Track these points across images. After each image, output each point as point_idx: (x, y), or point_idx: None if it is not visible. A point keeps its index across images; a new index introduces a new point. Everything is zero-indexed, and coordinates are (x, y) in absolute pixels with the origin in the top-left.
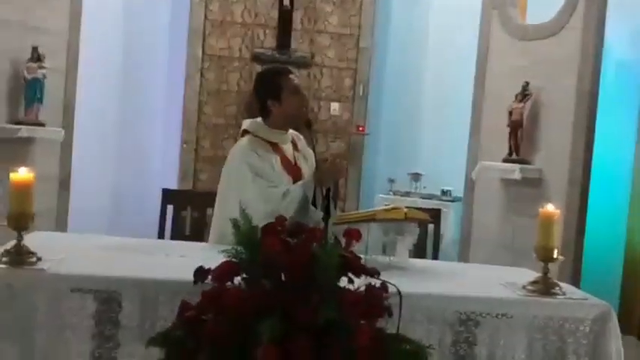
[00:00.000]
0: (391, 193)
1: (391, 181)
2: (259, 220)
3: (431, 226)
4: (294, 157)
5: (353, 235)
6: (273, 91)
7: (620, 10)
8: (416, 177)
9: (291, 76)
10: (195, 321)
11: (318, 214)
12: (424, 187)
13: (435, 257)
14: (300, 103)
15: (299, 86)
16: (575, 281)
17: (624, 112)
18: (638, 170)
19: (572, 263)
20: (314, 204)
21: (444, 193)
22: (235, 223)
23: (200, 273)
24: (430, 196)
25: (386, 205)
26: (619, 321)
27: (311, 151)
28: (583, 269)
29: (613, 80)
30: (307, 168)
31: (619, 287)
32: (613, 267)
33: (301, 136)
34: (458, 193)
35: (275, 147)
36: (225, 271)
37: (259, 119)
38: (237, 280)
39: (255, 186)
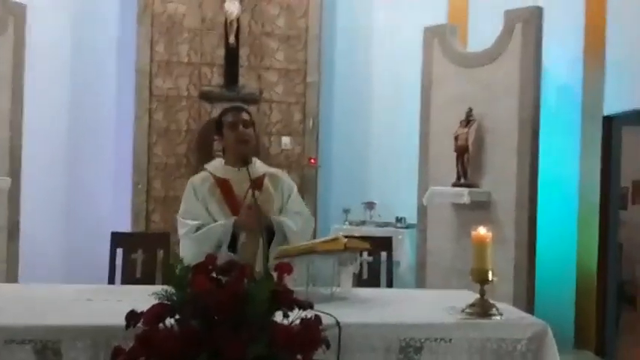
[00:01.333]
0: (347, 223)
1: (346, 211)
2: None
3: (384, 254)
4: (249, 195)
5: (284, 269)
6: (217, 127)
7: (557, 34)
8: (370, 206)
9: (232, 112)
10: None
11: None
12: (379, 216)
13: (390, 285)
14: (235, 138)
15: (236, 122)
16: (529, 300)
17: (567, 133)
18: (583, 189)
19: (525, 282)
20: (234, 246)
21: (398, 220)
22: (168, 266)
23: (132, 316)
24: (385, 224)
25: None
26: (575, 336)
27: (286, 192)
28: (537, 288)
29: (554, 103)
30: (268, 207)
31: (573, 303)
32: (566, 284)
33: (281, 177)
34: (412, 220)
35: (223, 182)
36: (155, 313)
37: (221, 158)
38: (170, 321)
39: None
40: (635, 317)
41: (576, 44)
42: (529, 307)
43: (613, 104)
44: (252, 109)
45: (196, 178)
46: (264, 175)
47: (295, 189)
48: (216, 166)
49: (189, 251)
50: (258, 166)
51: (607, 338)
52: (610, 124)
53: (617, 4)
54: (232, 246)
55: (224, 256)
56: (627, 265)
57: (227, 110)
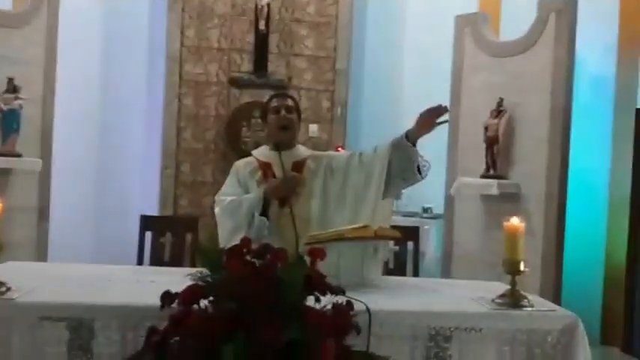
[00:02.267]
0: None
1: None
2: None
3: (411, 244)
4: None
5: (317, 254)
6: (263, 113)
7: (591, 25)
8: (398, 195)
9: (277, 98)
10: (162, 345)
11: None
12: (406, 205)
13: (416, 274)
14: (276, 122)
15: (279, 107)
16: (557, 294)
17: (599, 125)
18: (614, 182)
19: (553, 276)
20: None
21: (424, 210)
22: (200, 249)
23: (166, 297)
24: (412, 214)
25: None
26: (601, 332)
27: (328, 162)
28: (564, 281)
29: (587, 94)
30: (305, 190)
31: (600, 298)
32: (594, 278)
33: (324, 155)
34: (439, 210)
35: (265, 166)
36: (190, 295)
37: (266, 145)
38: (204, 303)
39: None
40: None
41: (610, 35)
42: (556, 300)
43: None
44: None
45: (240, 162)
46: (305, 159)
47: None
48: (261, 150)
49: (224, 225)
50: (302, 150)
51: (635, 335)
52: None
53: None
54: (265, 215)
55: (258, 224)
56: None
57: (272, 96)
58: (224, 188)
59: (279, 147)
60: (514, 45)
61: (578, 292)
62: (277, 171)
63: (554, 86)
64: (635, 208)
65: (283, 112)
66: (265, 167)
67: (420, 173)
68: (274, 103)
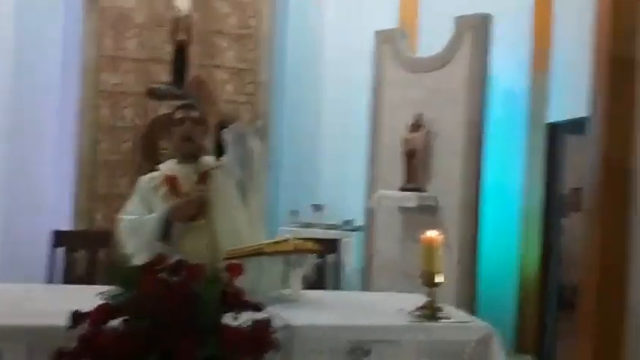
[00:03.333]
0: (294, 225)
1: (294, 213)
2: None
3: (331, 256)
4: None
5: (235, 270)
6: (168, 127)
7: (505, 41)
8: (318, 208)
9: (182, 109)
10: None
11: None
12: (327, 218)
13: (337, 287)
14: (180, 135)
15: (184, 119)
16: (472, 304)
17: (512, 138)
18: (526, 194)
19: (468, 286)
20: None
21: (345, 222)
22: (113, 267)
23: (76, 317)
24: (332, 227)
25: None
26: (515, 341)
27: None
28: (479, 292)
29: (501, 109)
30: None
31: (515, 308)
32: (508, 288)
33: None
34: (359, 223)
35: (170, 179)
36: (101, 314)
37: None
38: (116, 322)
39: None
40: (573, 323)
41: (523, 52)
42: (471, 310)
43: (557, 112)
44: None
45: (145, 177)
46: (213, 169)
47: None
48: (168, 164)
49: (126, 246)
50: (208, 160)
51: (547, 343)
52: (554, 131)
53: (563, 14)
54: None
55: (158, 247)
56: (565, 271)
57: (178, 107)
58: (127, 205)
59: (194, 158)
60: (432, 61)
61: (493, 302)
62: (184, 183)
63: (469, 102)
64: (546, 219)
65: (188, 123)
66: (171, 181)
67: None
68: (179, 114)
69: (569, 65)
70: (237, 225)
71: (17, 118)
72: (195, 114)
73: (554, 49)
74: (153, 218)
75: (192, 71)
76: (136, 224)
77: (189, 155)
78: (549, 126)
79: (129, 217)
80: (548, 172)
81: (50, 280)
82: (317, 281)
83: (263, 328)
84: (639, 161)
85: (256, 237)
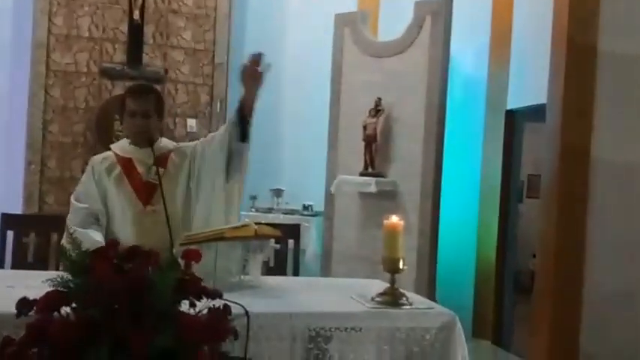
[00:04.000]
0: (253, 210)
1: (253, 197)
2: None
3: (291, 242)
4: (150, 173)
5: (192, 256)
6: (120, 109)
7: (465, 27)
8: (278, 193)
9: (134, 99)
10: (19, 357)
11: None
12: (286, 203)
13: (296, 273)
14: (131, 128)
15: (136, 112)
16: (431, 289)
17: (471, 123)
18: (484, 180)
19: (427, 271)
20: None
21: (305, 208)
22: (63, 251)
23: (23, 304)
24: (292, 212)
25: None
26: (473, 326)
27: (192, 155)
28: (438, 277)
29: (460, 94)
30: (171, 186)
31: (472, 292)
32: (466, 273)
33: (187, 148)
34: (319, 208)
35: (125, 161)
36: (50, 301)
37: (126, 138)
38: (66, 310)
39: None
40: (529, 308)
41: (483, 38)
42: (430, 295)
43: (516, 99)
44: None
45: (96, 157)
46: (169, 152)
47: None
48: (121, 145)
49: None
50: (165, 143)
51: (504, 328)
52: (513, 118)
53: (523, 0)
54: None
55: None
56: (522, 257)
57: (131, 93)
58: (79, 187)
59: (150, 142)
60: (392, 45)
61: (451, 287)
62: (139, 166)
63: (429, 86)
64: (504, 203)
65: (139, 118)
66: (125, 162)
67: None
68: (131, 105)
69: (528, 52)
70: (209, 209)
71: None
72: (146, 105)
73: (513, 35)
74: (94, 244)
75: (147, 51)
76: (77, 241)
77: (144, 143)
78: (508, 112)
79: (79, 204)
80: (506, 158)
81: (0, 265)
82: (277, 267)
83: (221, 315)
84: (596, 148)
85: (231, 221)
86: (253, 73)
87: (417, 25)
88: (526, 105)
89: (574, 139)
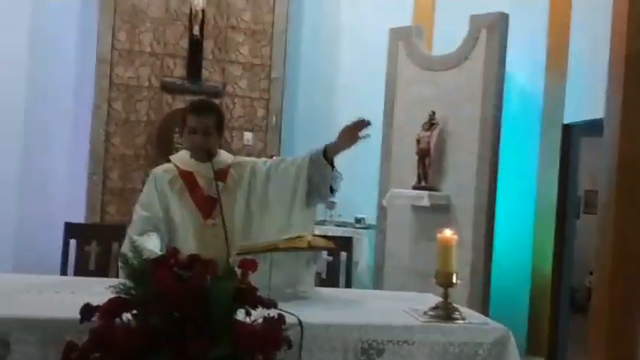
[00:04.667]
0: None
1: None
2: None
3: (344, 254)
4: (211, 187)
5: (248, 266)
6: (181, 124)
7: (521, 40)
8: (330, 205)
9: (195, 116)
10: None
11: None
12: (339, 216)
13: (348, 285)
14: (191, 145)
15: (196, 129)
16: (484, 305)
17: (527, 138)
18: (541, 194)
19: (481, 286)
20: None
21: (357, 220)
22: (125, 259)
23: (87, 310)
24: (344, 224)
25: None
26: (527, 343)
27: (252, 172)
28: (492, 292)
29: (516, 108)
30: (230, 200)
31: (527, 309)
32: (521, 290)
33: (247, 162)
34: (371, 221)
35: (186, 174)
36: (112, 308)
37: (185, 151)
38: (127, 316)
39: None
40: (585, 325)
41: (540, 52)
42: (484, 311)
43: (573, 113)
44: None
45: (158, 169)
46: (228, 167)
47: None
48: (181, 157)
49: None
50: (224, 157)
51: (559, 346)
52: (569, 132)
53: (581, 14)
54: None
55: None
56: (578, 273)
57: (192, 110)
58: (142, 196)
59: (210, 156)
60: (447, 59)
61: (505, 303)
62: (200, 181)
63: (484, 100)
64: (561, 219)
65: (199, 135)
66: (187, 176)
67: (332, 192)
68: (192, 122)
69: (585, 65)
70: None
71: (32, 111)
72: (207, 122)
73: (571, 47)
74: (150, 252)
75: (207, 66)
76: (139, 249)
77: (204, 157)
78: (565, 127)
79: (142, 212)
80: (562, 173)
81: (64, 272)
82: (329, 279)
83: (275, 325)
84: None
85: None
86: (353, 134)
87: (472, 39)
88: (583, 119)
89: (632, 154)
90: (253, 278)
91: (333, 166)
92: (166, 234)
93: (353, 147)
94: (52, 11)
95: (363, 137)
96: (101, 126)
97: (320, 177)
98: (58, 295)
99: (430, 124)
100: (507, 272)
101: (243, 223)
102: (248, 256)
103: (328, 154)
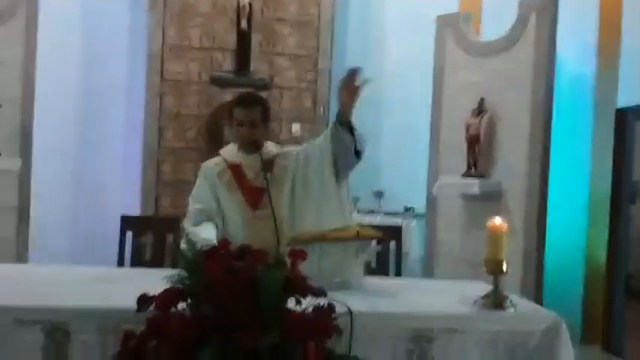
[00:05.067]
0: (355, 211)
1: (355, 199)
2: None
3: (393, 243)
4: (258, 178)
5: (298, 256)
6: (228, 117)
7: (572, 24)
8: (379, 195)
9: (242, 109)
10: (139, 350)
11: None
12: (387, 205)
13: (398, 274)
14: (240, 136)
15: (242, 121)
16: (537, 293)
17: (579, 123)
18: (594, 180)
19: (534, 274)
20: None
21: (406, 209)
22: (180, 254)
23: (143, 300)
24: (393, 213)
25: None
26: (582, 331)
27: (296, 158)
28: (545, 280)
29: (567, 93)
30: (277, 190)
31: (581, 297)
32: (574, 277)
33: (291, 152)
34: (421, 210)
35: (234, 167)
36: (168, 298)
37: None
38: (181, 306)
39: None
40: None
41: (591, 35)
42: (537, 299)
43: (627, 97)
44: (262, 95)
45: (209, 163)
46: (275, 157)
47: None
48: (229, 150)
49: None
50: (270, 148)
51: (614, 333)
52: (623, 116)
53: None
54: None
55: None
56: (634, 260)
57: (239, 103)
58: (195, 190)
59: (257, 147)
60: (495, 44)
61: (558, 291)
62: (248, 172)
63: (535, 85)
64: (615, 205)
65: (246, 127)
66: (235, 168)
67: (357, 156)
68: (238, 114)
69: (639, 47)
70: (320, 210)
71: (85, 108)
72: (253, 115)
73: (623, 29)
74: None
75: (255, 59)
76: (192, 242)
77: (251, 149)
78: (618, 111)
79: (196, 204)
80: (616, 158)
81: (120, 264)
82: (379, 269)
83: (325, 314)
84: None
85: (344, 221)
86: (350, 87)
87: (521, 24)
88: (638, 103)
89: None
90: (303, 268)
91: (352, 130)
92: (221, 223)
93: (360, 98)
94: (103, 11)
95: (363, 84)
96: (154, 120)
97: (340, 145)
98: (116, 286)
99: (479, 110)
100: (561, 259)
101: (290, 212)
102: (297, 246)
103: (343, 119)
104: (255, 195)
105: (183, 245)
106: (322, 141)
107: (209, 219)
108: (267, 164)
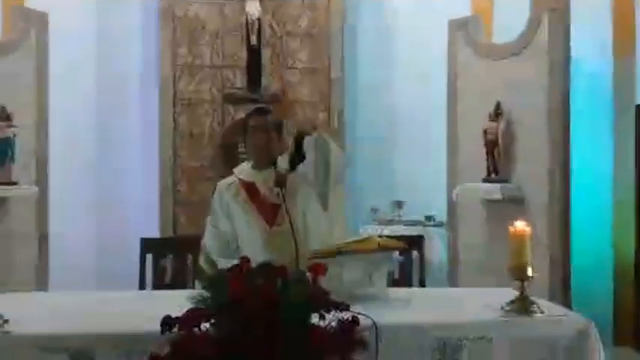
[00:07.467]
0: (375, 222)
1: (374, 210)
2: None
3: (415, 253)
4: (273, 194)
5: (318, 270)
6: (243, 131)
7: (585, 23)
8: (398, 204)
9: (254, 116)
10: None
11: None
12: (408, 214)
13: (422, 284)
14: (254, 144)
15: (256, 127)
16: (566, 297)
17: (599, 123)
18: (618, 180)
19: (561, 278)
20: None
21: (427, 218)
22: (201, 270)
23: (167, 322)
24: (414, 223)
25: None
26: (613, 333)
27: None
28: (573, 284)
29: (584, 93)
30: (291, 205)
31: (611, 299)
32: (603, 278)
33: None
34: (442, 218)
35: (248, 185)
36: (191, 318)
37: (247, 162)
38: (205, 326)
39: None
40: None
41: (605, 31)
42: (566, 303)
43: None
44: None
45: (223, 183)
46: (287, 171)
47: None
48: (243, 169)
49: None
50: (283, 163)
51: None
52: None
53: None
54: None
55: None
56: None
57: (251, 113)
58: (211, 211)
59: (271, 162)
60: (508, 47)
61: (588, 293)
62: (262, 189)
63: (551, 85)
64: None
65: (260, 133)
66: (248, 187)
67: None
68: (251, 122)
69: None
70: (319, 227)
71: (100, 132)
72: (267, 121)
73: (637, 23)
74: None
75: (266, 74)
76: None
77: (265, 161)
78: (639, 107)
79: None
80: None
81: (142, 286)
82: (402, 279)
83: (350, 328)
84: None
85: (339, 238)
86: None
87: (534, 24)
88: None
89: None
90: (325, 282)
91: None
92: (235, 245)
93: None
94: (114, 33)
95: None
96: (168, 141)
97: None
98: (140, 309)
99: (496, 114)
100: (588, 261)
101: (303, 225)
102: (319, 261)
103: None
104: (270, 211)
105: (201, 262)
106: None
107: (224, 242)
108: (281, 180)
